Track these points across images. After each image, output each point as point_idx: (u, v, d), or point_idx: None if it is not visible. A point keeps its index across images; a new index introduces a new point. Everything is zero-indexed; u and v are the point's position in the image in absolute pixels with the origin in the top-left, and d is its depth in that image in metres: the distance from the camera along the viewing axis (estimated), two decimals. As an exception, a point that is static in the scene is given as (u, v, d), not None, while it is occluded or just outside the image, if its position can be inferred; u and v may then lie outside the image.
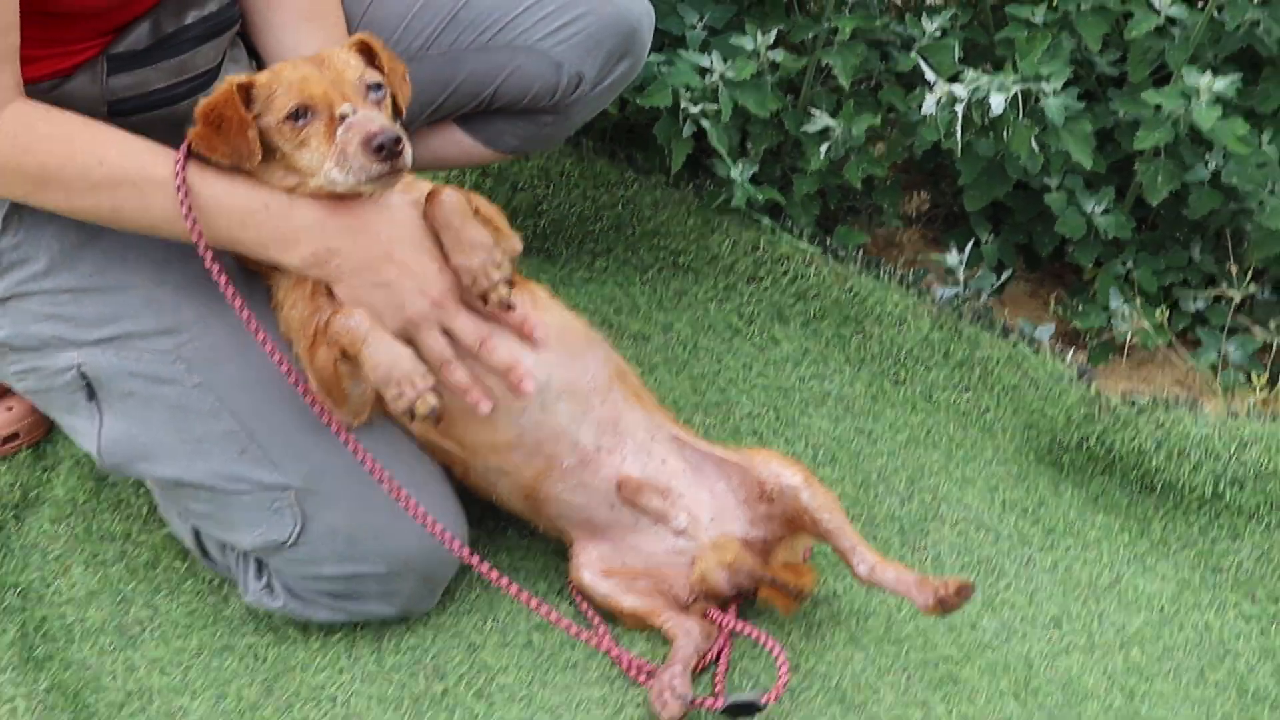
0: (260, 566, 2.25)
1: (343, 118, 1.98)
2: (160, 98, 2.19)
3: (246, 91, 2.00)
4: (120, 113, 2.13)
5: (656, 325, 2.93)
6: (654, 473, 2.27)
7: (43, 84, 2.06)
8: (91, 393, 2.17)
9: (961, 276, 2.90)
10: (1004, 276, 2.99)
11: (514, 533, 2.43)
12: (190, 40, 2.17)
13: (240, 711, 2.18)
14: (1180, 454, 2.56)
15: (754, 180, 2.92)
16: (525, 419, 2.18)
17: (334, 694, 2.20)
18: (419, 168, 2.28)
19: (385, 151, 1.95)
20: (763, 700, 2.13)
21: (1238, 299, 2.89)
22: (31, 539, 2.42)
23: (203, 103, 2.01)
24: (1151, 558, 2.54)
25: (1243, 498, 2.54)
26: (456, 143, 2.56)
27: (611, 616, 2.29)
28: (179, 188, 2.00)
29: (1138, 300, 2.88)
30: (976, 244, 3.04)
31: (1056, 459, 2.72)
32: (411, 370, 2.05)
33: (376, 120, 1.98)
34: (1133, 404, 2.62)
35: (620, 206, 3.03)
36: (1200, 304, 2.98)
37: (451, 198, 2.12)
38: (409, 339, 2.10)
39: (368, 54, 2.10)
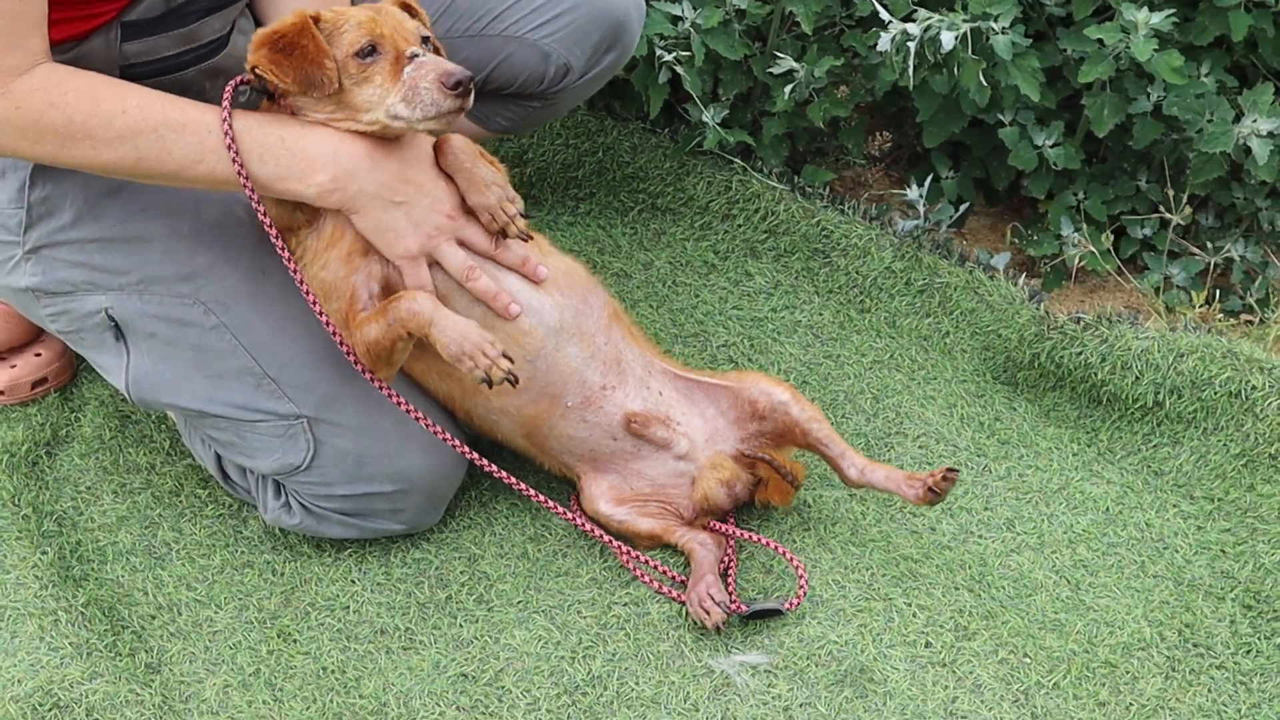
0: (278, 487, 2.45)
1: (412, 57, 2.11)
2: (170, 64, 2.36)
3: (314, 23, 2.13)
4: (131, 76, 2.30)
5: (638, 263, 3.13)
6: (653, 405, 2.47)
7: (60, 47, 2.24)
8: (119, 333, 2.36)
9: (922, 210, 3.10)
10: (962, 209, 3.18)
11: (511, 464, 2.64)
12: (200, 11, 2.34)
13: (261, 621, 2.39)
14: (1123, 367, 2.77)
15: (725, 124, 3.11)
16: (539, 361, 2.36)
17: (346, 603, 2.41)
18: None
19: (462, 88, 2.08)
20: (785, 606, 2.36)
21: (1181, 224, 3.08)
22: (64, 472, 2.63)
23: (264, 31, 2.14)
24: (1098, 464, 2.75)
25: (1181, 405, 2.74)
26: None
27: (628, 541, 2.49)
28: (226, 131, 2.14)
29: (1085, 228, 3.08)
30: (937, 180, 3.23)
31: (1011, 377, 2.92)
32: (480, 341, 2.20)
33: (447, 63, 2.12)
34: (1079, 321, 2.83)
35: (601, 153, 3.22)
36: (1147, 231, 3.17)
37: (460, 141, 2.28)
38: (429, 255, 2.27)
39: (409, 11, 2.25)
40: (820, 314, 3.03)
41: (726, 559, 2.47)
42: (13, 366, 2.77)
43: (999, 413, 2.85)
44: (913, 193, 3.10)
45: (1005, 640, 2.33)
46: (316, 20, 2.15)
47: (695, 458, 2.47)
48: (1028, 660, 2.31)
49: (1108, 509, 2.66)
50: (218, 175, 2.18)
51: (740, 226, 3.15)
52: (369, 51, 2.12)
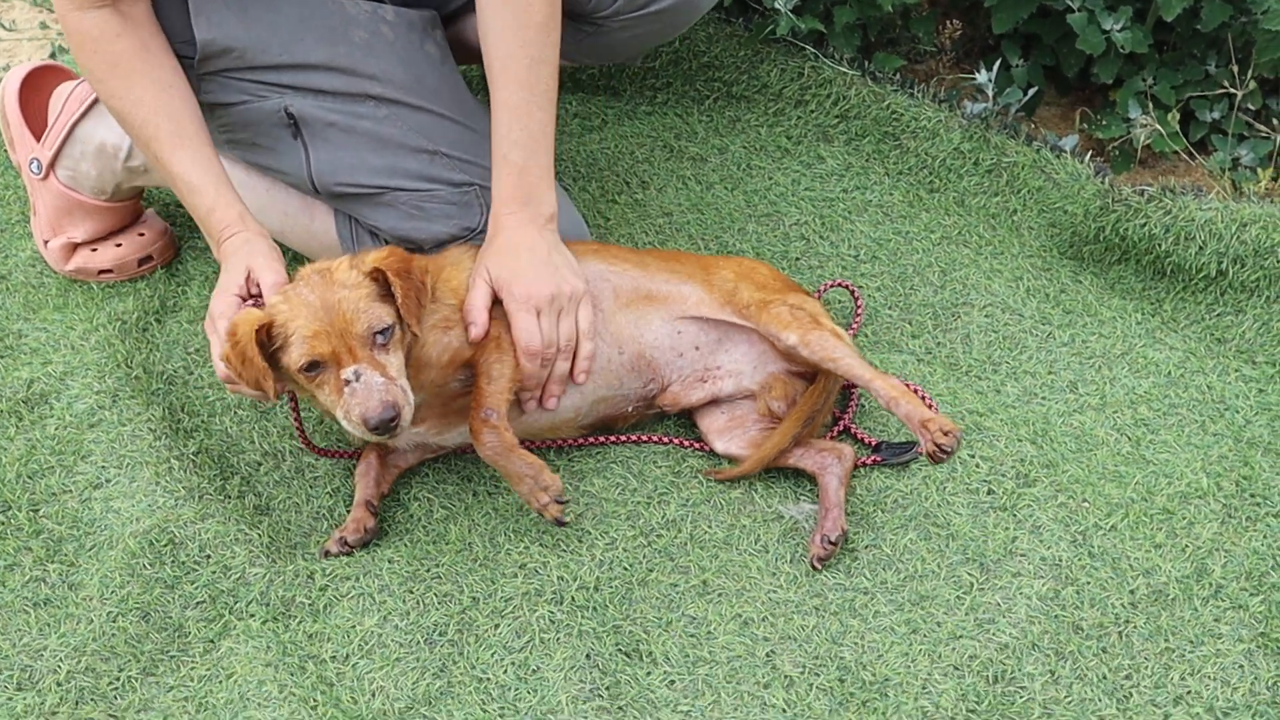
0: None
1: (347, 382, 2.21)
2: None
3: (267, 330, 2.23)
4: None
5: (713, 148, 3.23)
6: (689, 369, 2.57)
7: None
8: (297, 130, 2.59)
9: (991, 94, 3.16)
10: (1030, 93, 3.24)
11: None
12: None
13: (351, 467, 2.55)
14: (1187, 237, 2.83)
15: (797, 12, 3.19)
16: (584, 409, 2.55)
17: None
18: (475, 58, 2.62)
19: (379, 432, 2.20)
20: (918, 452, 2.50)
21: (1251, 108, 3.12)
22: (173, 337, 2.81)
23: (231, 324, 2.25)
24: (1161, 332, 2.82)
25: (1244, 274, 2.80)
26: None
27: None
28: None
29: (1154, 111, 3.13)
30: (1006, 68, 3.30)
31: (1077, 252, 3.00)
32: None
33: (375, 393, 2.19)
34: (1143, 194, 2.89)
35: (677, 43, 3.33)
36: (1215, 113, 3.21)
37: (490, 441, 2.32)
38: None
39: (381, 278, 2.28)
40: (890, 194, 3.12)
41: (846, 419, 2.59)
42: (118, 245, 2.95)
43: (1064, 285, 2.93)
44: (981, 77, 3.16)
45: (1065, 487, 2.43)
46: (269, 326, 2.24)
47: (746, 387, 2.57)
48: (1086, 505, 2.40)
49: (1170, 373, 2.73)
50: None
51: (812, 112, 3.25)
52: (313, 367, 2.22)
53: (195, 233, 3.07)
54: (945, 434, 2.42)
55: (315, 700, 2.17)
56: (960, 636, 2.24)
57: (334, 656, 2.26)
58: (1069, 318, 2.85)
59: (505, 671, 2.23)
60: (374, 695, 2.21)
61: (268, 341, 2.24)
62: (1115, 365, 2.74)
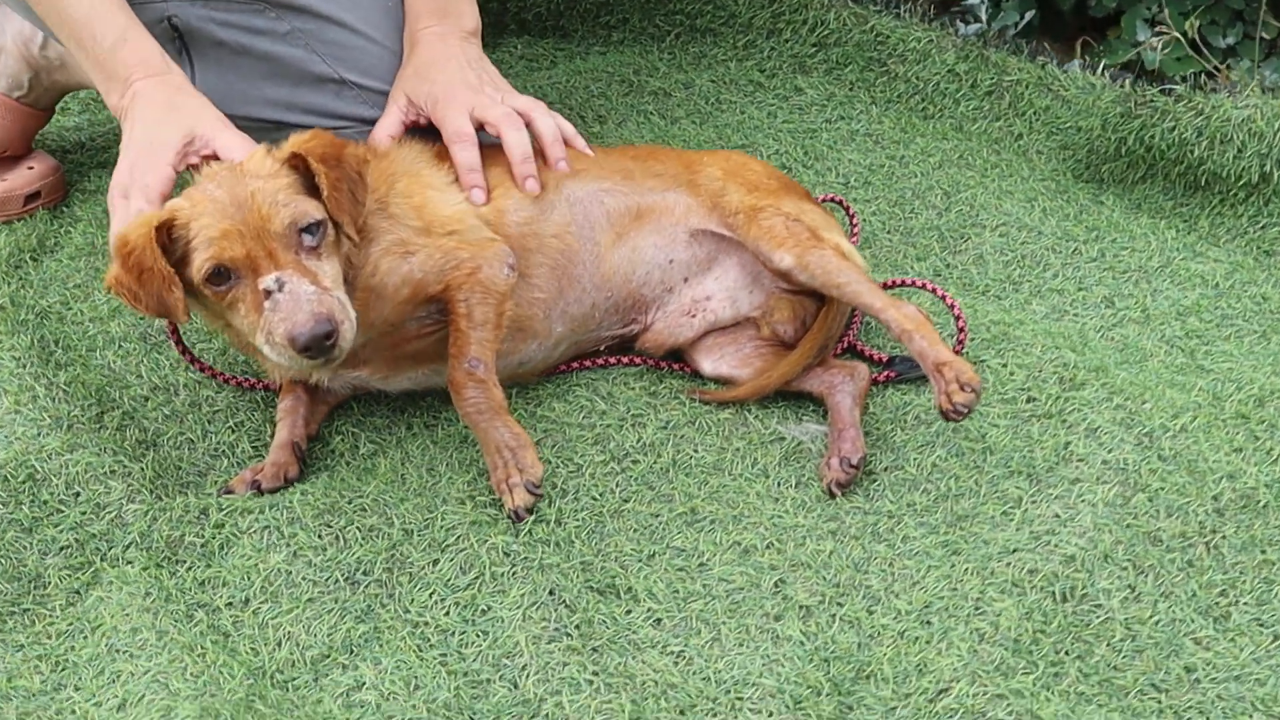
0: None
1: (267, 293, 1.74)
2: None
3: (167, 231, 1.77)
4: None
5: (677, 84, 2.87)
6: (674, 301, 2.15)
7: None
8: (183, 45, 2.15)
9: (984, 15, 2.84)
10: (1028, 16, 2.92)
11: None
12: None
13: (269, 399, 2.11)
14: (1223, 140, 2.48)
15: (767, -69, 2.87)
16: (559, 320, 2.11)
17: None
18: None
19: (310, 352, 1.72)
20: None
21: (1266, 38, 2.81)
22: (51, 273, 2.37)
23: (118, 236, 1.79)
24: (1201, 246, 2.46)
25: (1291, 177, 2.46)
26: None
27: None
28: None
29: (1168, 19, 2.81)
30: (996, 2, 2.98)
31: (1095, 173, 2.64)
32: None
33: (304, 303, 1.72)
34: (1169, 93, 2.55)
35: (633, -29, 2.99)
36: (1229, 39, 2.90)
37: (473, 398, 1.88)
38: None
39: (304, 166, 1.83)
40: (879, 123, 2.76)
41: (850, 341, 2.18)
42: (2, 180, 2.53)
43: (1084, 205, 2.57)
44: (973, -2, 2.84)
45: (1120, 389, 2.03)
46: (170, 225, 1.77)
47: (743, 309, 2.16)
48: (1148, 406, 2.00)
49: (1217, 284, 2.36)
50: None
51: (787, 41, 2.90)
52: (222, 277, 1.76)
53: (85, 174, 2.65)
54: (963, 387, 1.89)
55: (203, 648, 1.70)
56: (1015, 550, 1.81)
57: (230, 603, 1.78)
58: (1094, 234, 2.48)
59: (446, 613, 1.76)
60: (279, 644, 1.73)
61: (168, 246, 1.79)
62: (1154, 279, 2.37)
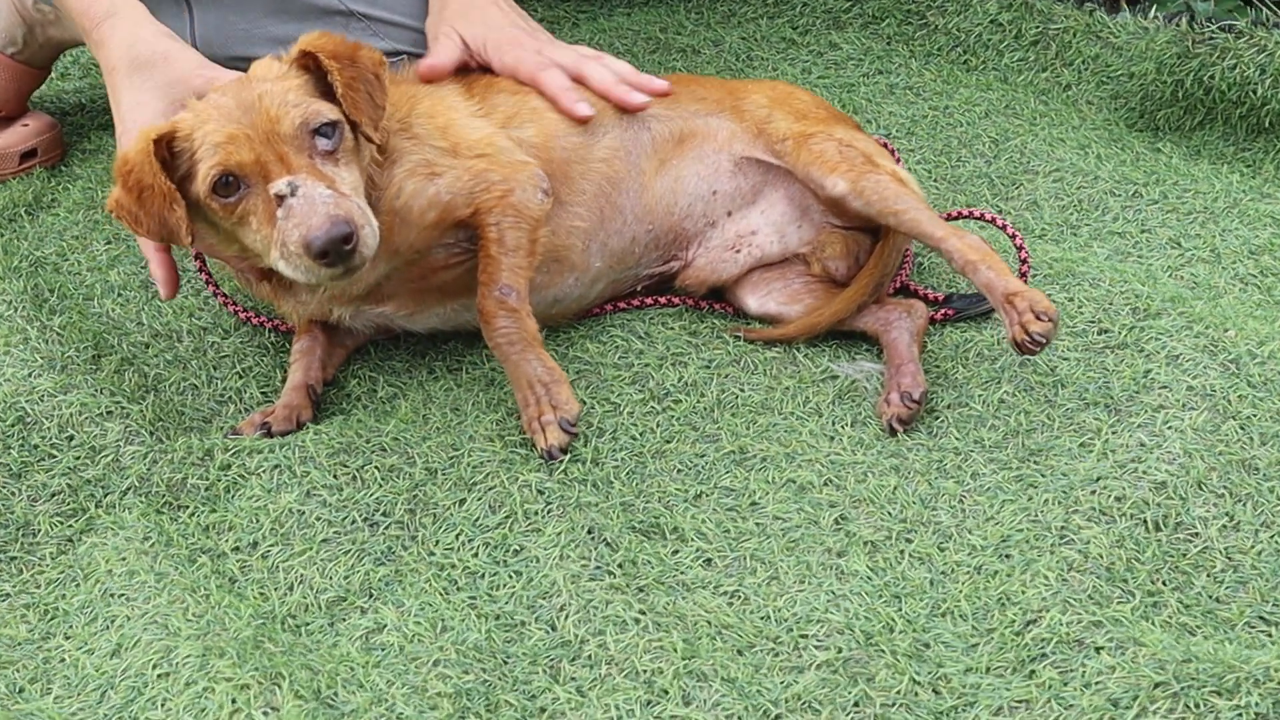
0: None
1: (279, 199, 1.57)
2: None
3: (168, 145, 1.63)
4: None
5: (706, 40, 2.74)
6: (718, 236, 2.00)
7: None
8: None
9: (1027, -37, 2.70)
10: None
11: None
12: None
13: (279, 344, 1.96)
14: (1289, 77, 2.34)
15: (797, -118, 2.75)
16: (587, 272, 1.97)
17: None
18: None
19: (329, 259, 1.55)
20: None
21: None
22: (47, 226, 2.23)
23: (119, 156, 1.65)
24: (1268, 188, 2.31)
25: (1364, 114, 2.31)
26: None
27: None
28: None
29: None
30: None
31: (1149, 121, 2.50)
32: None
33: (319, 206, 1.55)
34: (1230, 29, 2.40)
35: (656, -71, 2.87)
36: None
37: (505, 328, 1.74)
38: None
39: (315, 66, 1.68)
40: (919, 76, 2.62)
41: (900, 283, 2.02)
42: (-4, 137, 2.40)
43: (1140, 153, 2.42)
44: (1015, -53, 2.71)
45: (1199, 318, 1.87)
46: (171, 138, 1.62)
47: (791, 244, 2.00)
48: (1231, 334, 1.84)
49: (1290, 224, 2.21)
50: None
51: (820, -4, 2.77)
52: (229, 186, 1.60)
53: (85, 134, 2.52)
54: (1038, 316, 1.73)
55: (206, 590, 1.54)
56: (1099, 479, 1.64)
57: (236, 547, 1.62)
58: (1154, 177, 2.33)
59: (475, 554, 1.60)
60: (291, 588, 1.57)
61: (170, 162, 1.63)
62: (1222, 219, 2.21)
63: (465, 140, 1.83)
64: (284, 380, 1.89)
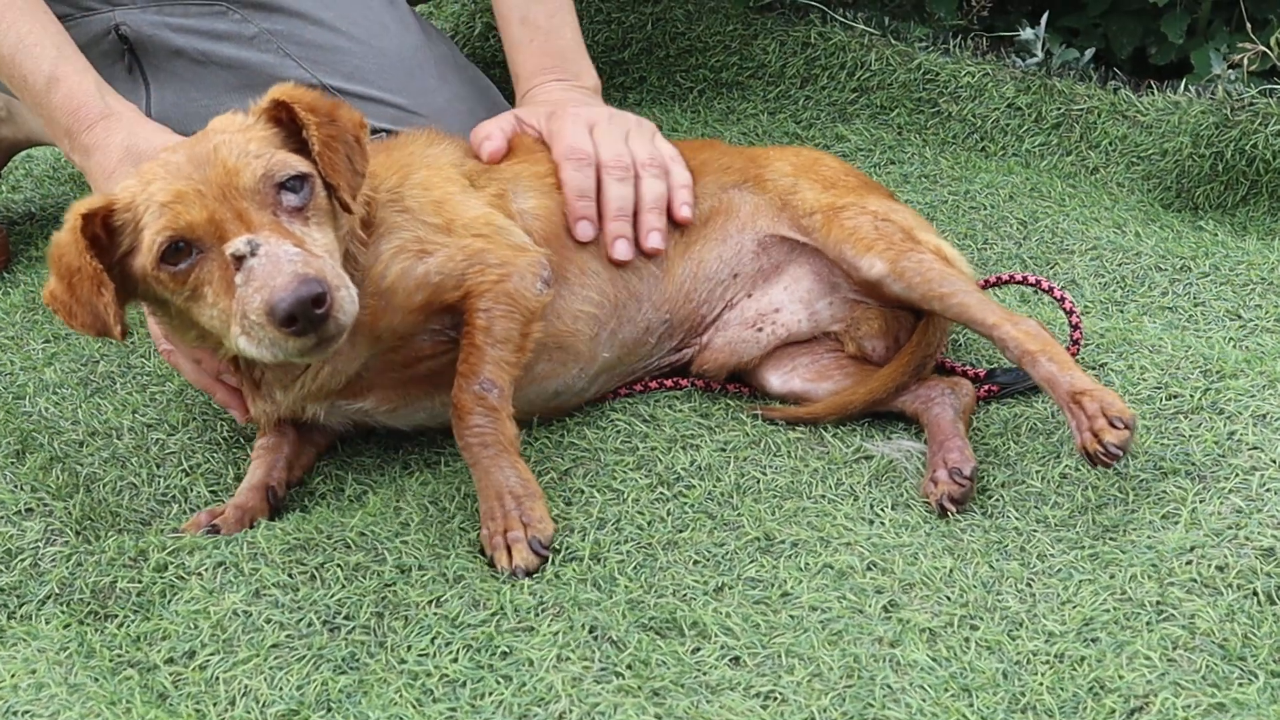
0: None
1: (238, 261, 1.35)
2: None
3: (105, 220, 1.42)
4: None
5: (704, 137, 2.57)
6: (737, 317, 1.80)
7: None
8: (134, 61, 1.85)
9: (1041, 47, 2.55)
10: (1088, 54, 2.63)
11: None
12: None
13: (231, 440, 1.72)
14: (1339, 141, 2.16)
15: (795, -28, 2.62)
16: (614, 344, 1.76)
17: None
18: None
19: (297, 325, 1.32)
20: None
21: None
22: (-20, 327, 2.01)
23: (54, 240, 1.43)
24: (1328, 261, 2.11)
25: None
26: None
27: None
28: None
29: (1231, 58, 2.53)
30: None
31: (1189, 199, 2.31)
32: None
33: (284, 265, 1.33)
34: (1270, 94, 2.23)
35: (649, 25, 2.71)
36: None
37: (480, 427, 1.51)
38: None
39: (288, 119, 1.49)
40: (935, 164, 2.44)
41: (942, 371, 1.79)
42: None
43: (1181, 231, 2.23)
44: (1027, 33, 2.56)
45: (1279, 377, 1.64)
46: (108, 213, 1.41)
47: (821, 323, 1.79)
48: (1321, 393, 1.61)
49: (1360, 293, 2.00)
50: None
51: (824, 89, 2.61)
52: (178, 253, 1.38)
53: (33, 242, 2.33)
54: (1112, 423, 1.47)
55: (130, 704, 1.26)
56: (1193, 548, 1.39)
57: (170, 658, 1.35)
58: (1200, 251, 2.12)
59: (454, 659, 1.33)
60: (233, 701, 1.30)
61: (108, 243, 1.42)
62: (1282, 290, 2.01)
63: (461, 217, 1.62)
64: (239, 478, 1.64)
